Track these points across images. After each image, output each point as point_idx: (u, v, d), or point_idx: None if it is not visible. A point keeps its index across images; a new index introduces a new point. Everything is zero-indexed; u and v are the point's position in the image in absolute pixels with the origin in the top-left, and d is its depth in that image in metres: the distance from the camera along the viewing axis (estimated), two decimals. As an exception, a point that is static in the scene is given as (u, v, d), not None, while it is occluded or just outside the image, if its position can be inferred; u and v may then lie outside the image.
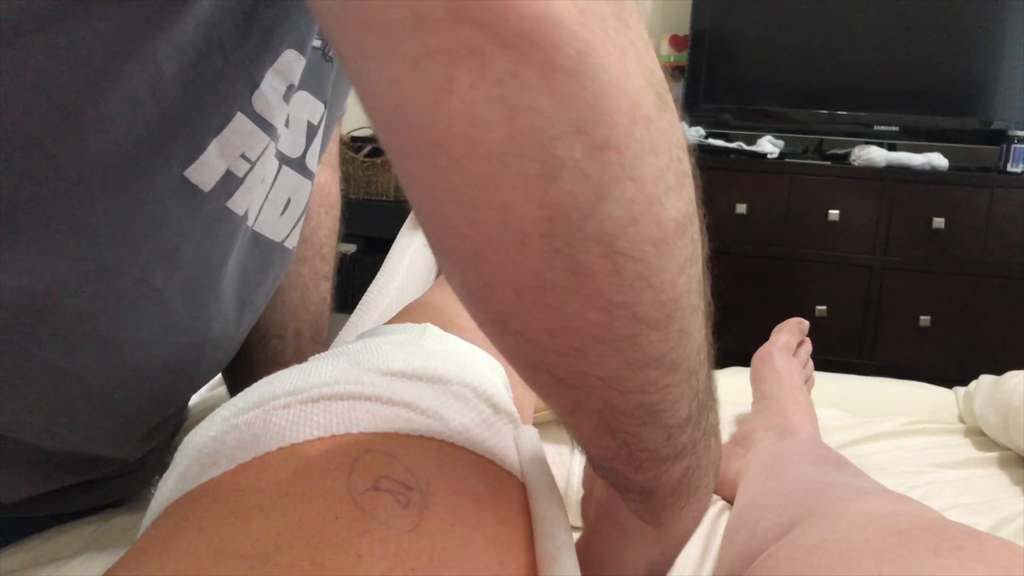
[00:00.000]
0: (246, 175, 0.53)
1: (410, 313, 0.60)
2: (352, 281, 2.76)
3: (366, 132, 2.81)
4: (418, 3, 0.24)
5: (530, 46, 0.24)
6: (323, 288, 0.84)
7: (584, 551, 0.46)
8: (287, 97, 0.54)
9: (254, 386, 0.43)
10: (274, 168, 0.58)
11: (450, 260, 0.30)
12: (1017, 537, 0.73)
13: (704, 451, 0.40)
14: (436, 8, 0.24)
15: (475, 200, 0.27)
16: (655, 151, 0.28)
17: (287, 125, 0.59)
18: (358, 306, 0.90)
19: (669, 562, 0.46)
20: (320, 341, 0.85)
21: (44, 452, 0.55)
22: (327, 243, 0.85)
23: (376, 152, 2.63)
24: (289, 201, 0.63)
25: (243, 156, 0.52)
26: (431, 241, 0.31)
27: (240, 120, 0.50)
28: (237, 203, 0.54)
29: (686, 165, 0.31)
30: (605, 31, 0.26)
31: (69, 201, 0.44)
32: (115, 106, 0.43)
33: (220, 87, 0.48)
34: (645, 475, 0.38)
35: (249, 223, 0.58)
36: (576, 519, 0.74)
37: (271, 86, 0.51)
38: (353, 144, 2.67)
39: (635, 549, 0.44)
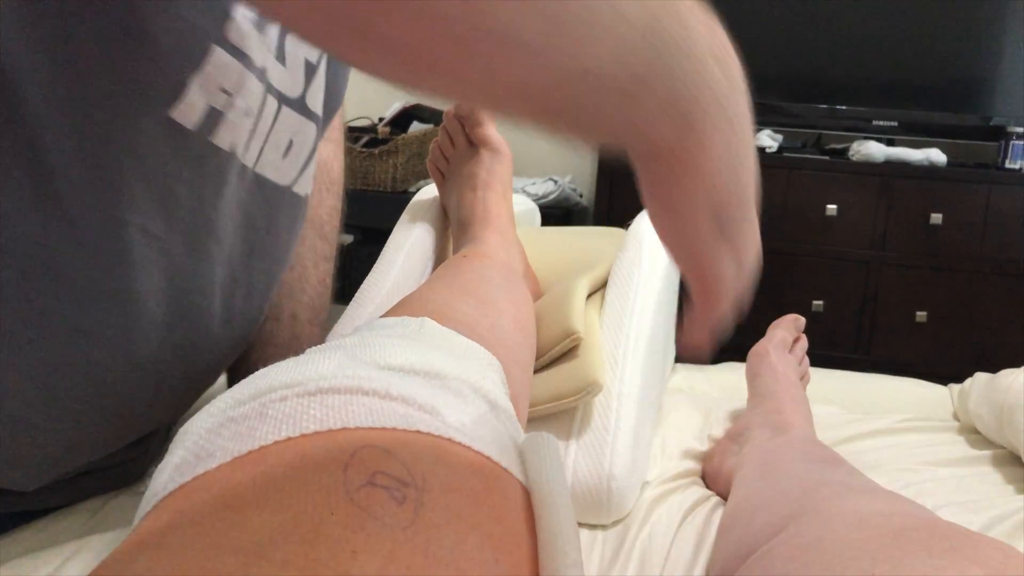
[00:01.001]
0: (228, 108, 0.53)
1: (407, 307, 0.60)
2: (348, 272, 2.76)
3: (363, 122, 2.81)
4: None
5: None
6: (323, 269, 0.84)
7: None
8: (261, 26, 0.54)
9: (250, 377, 0.43)
10: (273, 108, 0.58)
11: None
12: (1010, 536, 0.73)
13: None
14: None
15: None
16: None
17: (284, 62, 0.58)
18: (354, 298, 0.90)
19: (727, 196, 0.38)
20: (317, 324, 0.84)
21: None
22: (328, 222, 0.84)
23: (374, 143, 2.63)
24: (292, 143, 0.62)
25: (223, 89, 0.52)
26: None
27: (218, 54, 0.51)
28: (221, 138, 0.54)
29: None
30: None
31: (62, 154, 0.45)
32: (89, 47, 0.44)
33: (193, 19, 0.49)
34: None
35: (248, 164, 0.58)
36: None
37: (243, 15, 0.52)
38: (351, 134, 2.66)
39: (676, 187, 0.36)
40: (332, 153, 0.84)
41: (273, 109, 0.59)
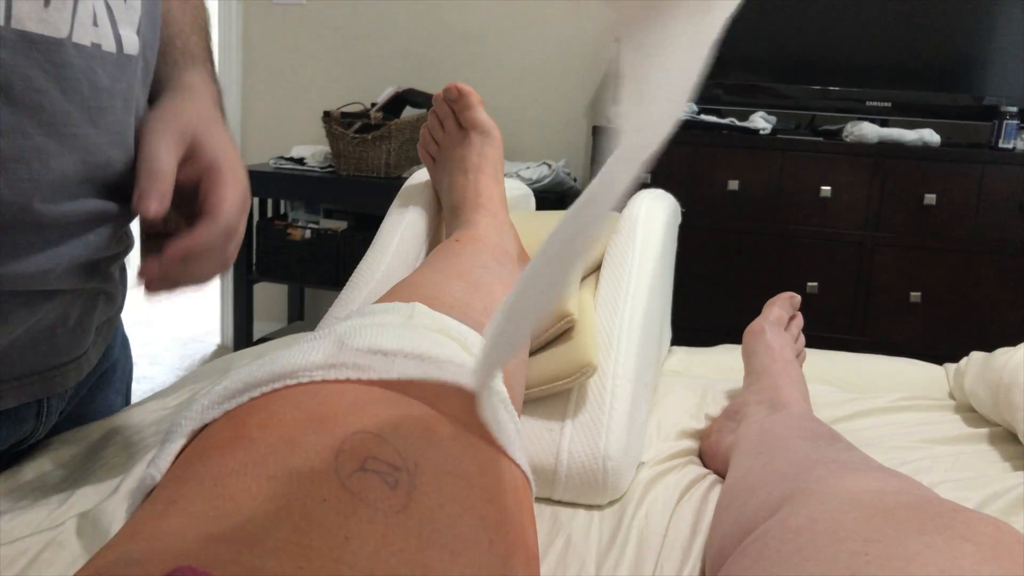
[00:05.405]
0: None
1: (399, 292, 0.59)
2: (343, 257, 2.75)
3: (356, 108, 2.79)
4: None
5: None
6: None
7: None
8: None
9: (240, 369, 0.42)
10: None
11: None
12: (1008, 512, 0.74)
13: None
14: None
15: None
16: None
17: None
18: (348, 282, 0.89)
19: None
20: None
21: None
22: None
23: (366, 128, 2.61)
24: None
25: None
26: None
27: None
28: None
29: None
30: None
31: None
32: None
33: None
34: None
35: None
36: (563, 496, 0.74)
37: None
38: (343, 120, 2.65)
39: None
40: None
41: None
